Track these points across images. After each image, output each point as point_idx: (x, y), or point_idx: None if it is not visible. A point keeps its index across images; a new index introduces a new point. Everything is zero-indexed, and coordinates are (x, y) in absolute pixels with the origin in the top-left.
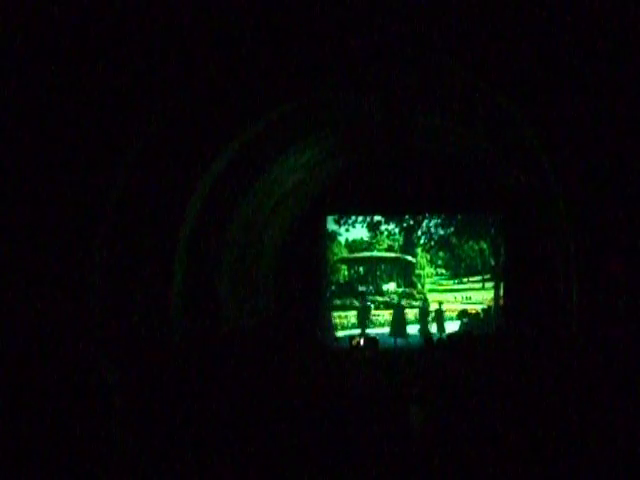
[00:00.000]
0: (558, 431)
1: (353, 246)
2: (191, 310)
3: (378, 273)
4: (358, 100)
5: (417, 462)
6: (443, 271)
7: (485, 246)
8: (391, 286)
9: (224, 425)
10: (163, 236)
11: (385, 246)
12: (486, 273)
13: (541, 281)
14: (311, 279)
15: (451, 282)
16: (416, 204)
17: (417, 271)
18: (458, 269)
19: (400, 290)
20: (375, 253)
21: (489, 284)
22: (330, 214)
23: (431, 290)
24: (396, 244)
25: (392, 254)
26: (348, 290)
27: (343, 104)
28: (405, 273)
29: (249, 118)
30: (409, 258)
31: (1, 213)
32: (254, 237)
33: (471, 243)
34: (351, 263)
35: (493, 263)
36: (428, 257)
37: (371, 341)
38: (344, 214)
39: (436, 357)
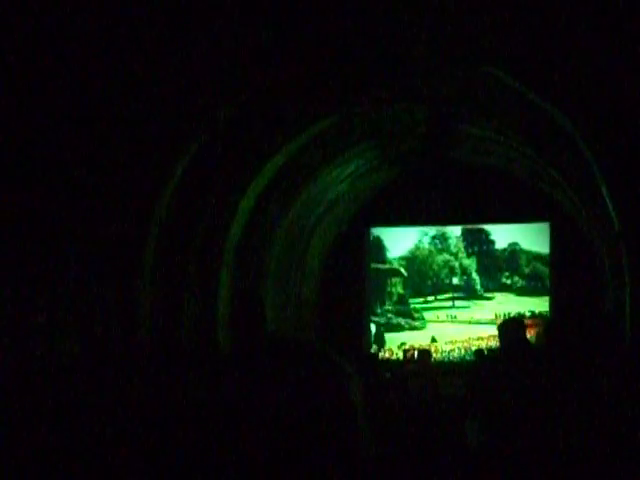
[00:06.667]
0: (620, 449)
1: None
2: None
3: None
4: (402, 112)
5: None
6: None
7: (456, 263)
8: None
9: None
10: (211, 246)
11: None
12: (456, 291)
13: (589, 292)
14: (354, 290)
15: (416, 301)
16: (460, 215)
17: (388, 288)
18: (423, 286)
19: (394, 308)
20: (377, 264)
21: (459, 302)
22: (373, 226)
23: None
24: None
25: (388, 266)
26: None
27: (386, 116)
28: (395, 289)
29: (293, 131)
30: (402, 271)
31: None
32: (298, 247)
33: (438, 259)
34: None
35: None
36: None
37: (425, 353)
38: (387, 226)
39: (489, 370)
